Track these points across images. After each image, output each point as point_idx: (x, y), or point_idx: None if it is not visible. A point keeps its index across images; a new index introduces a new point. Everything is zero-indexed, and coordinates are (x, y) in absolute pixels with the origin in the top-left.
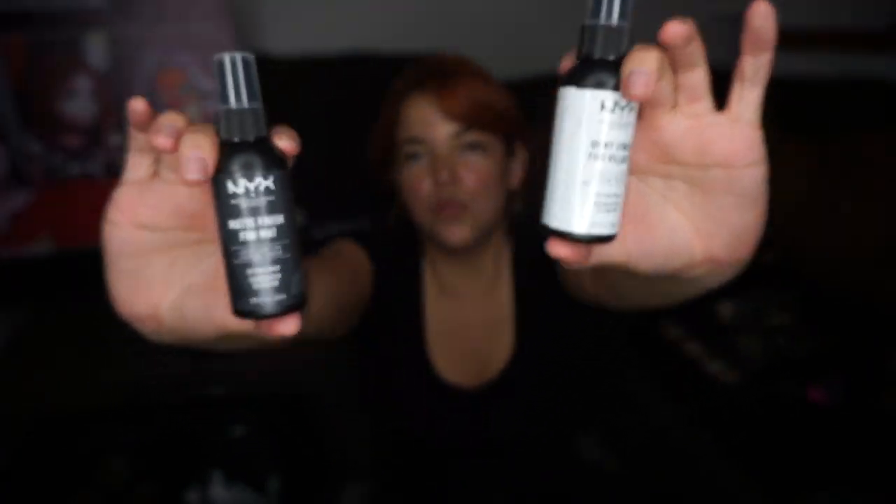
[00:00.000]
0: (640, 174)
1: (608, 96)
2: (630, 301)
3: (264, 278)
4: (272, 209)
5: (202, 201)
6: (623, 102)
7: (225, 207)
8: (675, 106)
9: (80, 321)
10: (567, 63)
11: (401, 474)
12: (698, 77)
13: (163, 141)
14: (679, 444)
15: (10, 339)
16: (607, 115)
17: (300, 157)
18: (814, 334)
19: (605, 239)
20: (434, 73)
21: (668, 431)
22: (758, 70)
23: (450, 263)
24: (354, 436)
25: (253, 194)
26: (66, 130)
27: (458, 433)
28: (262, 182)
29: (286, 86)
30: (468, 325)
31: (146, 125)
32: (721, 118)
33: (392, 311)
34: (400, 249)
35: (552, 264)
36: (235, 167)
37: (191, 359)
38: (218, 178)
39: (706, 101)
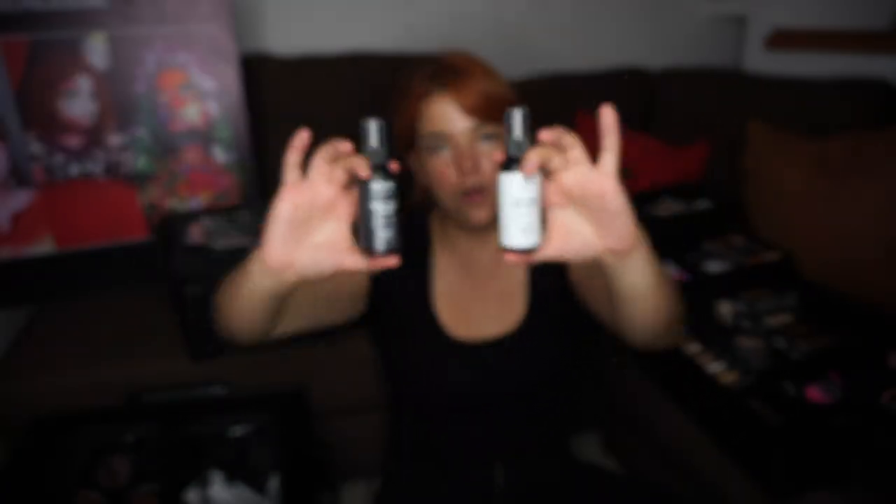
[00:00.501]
0: (560, 207)
1: (517, 176)
2: (626, 322)
3: (382, 233)
4: (388, 197)
5: (331, 198)
6: (526, 177)
7: (368, 195)
8: (567, 169)
9: (81, 321)
10: (499, 157)
11: (413, 432)
12: (575, 153)
13: (343, 160)
14: (679, 444)
15: (10, 339)
16: (517, 186)
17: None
18: (814, 334)
19: (530, 250)
20: (451, 73)
21: (668, 431)
22: (610, 144)
23: (467, 239)
24: (355, 435)
25: (383, 190)
26: (67, 131)
27: (467, 388)
28: (386, 184)
29: (286, 84)
30: (482, 292)
31: (306, 149)
32: (592, 171)
33: (405, 283)
34: (411, 230)
35: None
36: (378, 175)
37: (191, 359)
38: (368, 181)
39: (583, 164)
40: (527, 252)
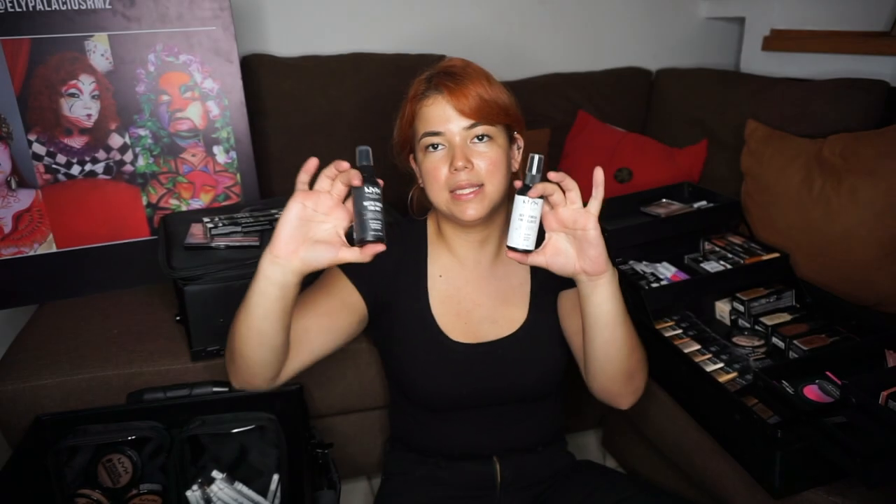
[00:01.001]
0: (556, 232)
1: (526, 198)
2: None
3: (372, 224)
4: (376, 199)
5: (331, 205)
6: (532, 201)
7: (361, 198)
8: (565, 206)
9: (81, 320)
10: (518, 185)
11: (414, 430)
12: (572, 195)
13: (343, 174)
14: (678, 443)
15: (11, 339)
16: (525, 205)
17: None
18: (812, 334)
19: (526, 251)
20: (447, 76)
21: (667, 431)
22: (597, 195)
23: (465, 241)
24: (355, 435)
25: (371, 193)
26: (69, 131)
27: (467, 389)
28: (374, 189)
29: (286, 85)
30: (481, 295)
31: (314, 172)
32: (581, 210)
33: (405, 290)
34: (408, 237)
35: None
36: (368, 184)
37: (191, 359)
38: (361, 187)
39: (577, 204)
40: (524, 252)
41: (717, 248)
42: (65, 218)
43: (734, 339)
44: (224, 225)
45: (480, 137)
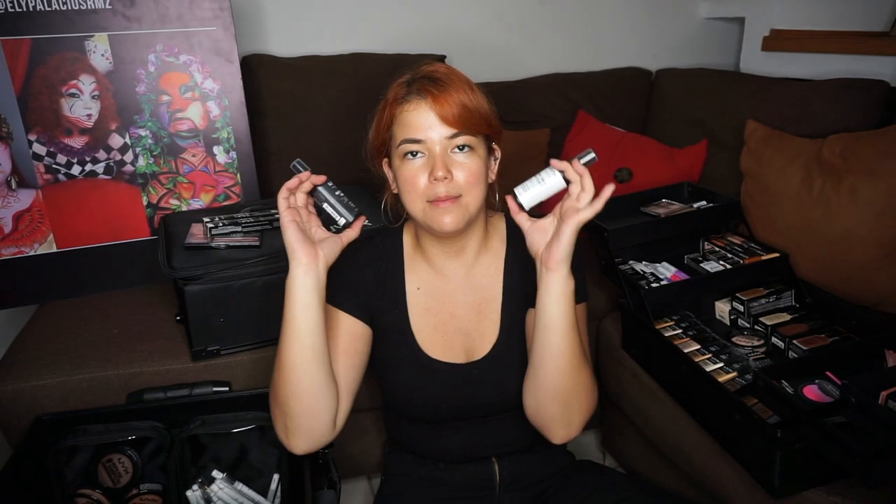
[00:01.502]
0: (551, 216)
1: (557, 172)
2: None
3: (345, 210)
4: (334, 190)
5: (305, 213)
6: (559, 177)
7: (328, 191)
8: (569, 202)
9: (81, 320)
10: (510, 200)
11: (405, 436)
12: (585, 195)
13: (304, 184)
14: (677, 443)
15: (11, 339)
16: (554, 177)
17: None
18: (813, 333)
19: (521, 205)
20: (429, 81)
21: (666, 431)
22: (596, 205)
23: (442, 252)
24: (355, 435)
25: (327, 189)
26: (69, 131)
27: (450, 403)
28: (329, 184)
29: (286, 85)
30: (458, 308)
31: (294, 189)
32: (577, 212)
33: (384, 306)
34: (383, 249)
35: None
36: (322, 185)
37: (191, 359)
38: (323, 184)
39: (580, 205)
40: (519, 206)
41: (717, 248)
42: (65, 218)
43: (734, 339)
44: (224, 225)
45: (461, 147)
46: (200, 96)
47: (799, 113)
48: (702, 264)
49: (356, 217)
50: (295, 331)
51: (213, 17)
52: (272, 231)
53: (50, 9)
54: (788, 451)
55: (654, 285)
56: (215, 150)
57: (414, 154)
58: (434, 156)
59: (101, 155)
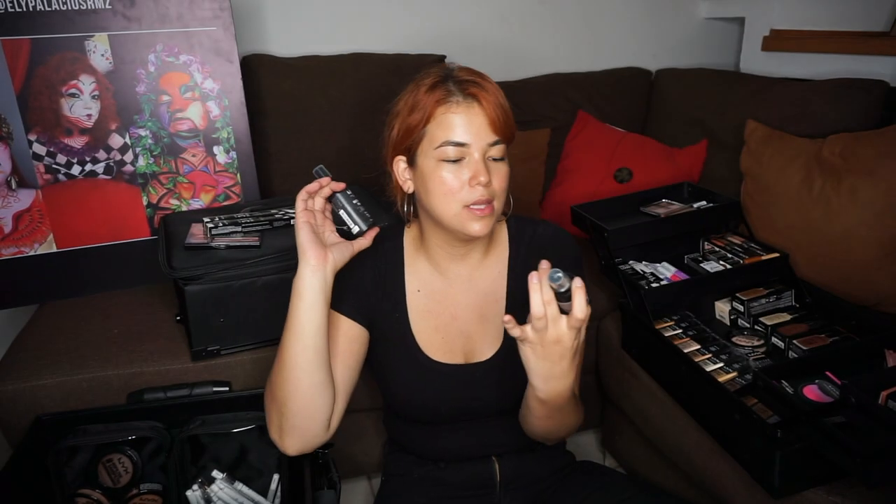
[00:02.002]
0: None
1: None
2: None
3: (360, 218)
4: (353, 194)
5: (321, 217)
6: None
7: (346, 198)
8: (568, 312)
9: (81, 320)
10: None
11: (405, 436)
12: (577, 317)
13: (324, 189)
14: (677, 443)
15: (11, 339)
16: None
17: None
18: (813, 333)
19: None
20: (475, 85)
21: (666, 431)
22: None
23: (447, 248)
24: (354, 435)
25: (350, 192)
26: (69, 131)
27: (451, 405)
28: (348, 193)
29: (286, 85)
30: (460, 310)
31: (313, 193)
32: (566, 319)
33: (385, 308)
34: (383, 250)
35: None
36: (341, 193)
37: (191, 359)
38: (343, 191)
39: (569, 320)
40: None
41: (717, 248)
42: (65, 218)
43: (734, 339)
44: (224, 225)
45: (498, 153)
46: (200, 96)
47: (799, 113)
48: (702, 264)
49: (370, 227)
50: (298, 330)
51: (213, 17)
52: (272, 231)
53: (50, 9)
54: (788, 451)
55: (654, 285)
56: (215, 150)
57: (455, 157)
58: (474, 160)
59: (101, 155)
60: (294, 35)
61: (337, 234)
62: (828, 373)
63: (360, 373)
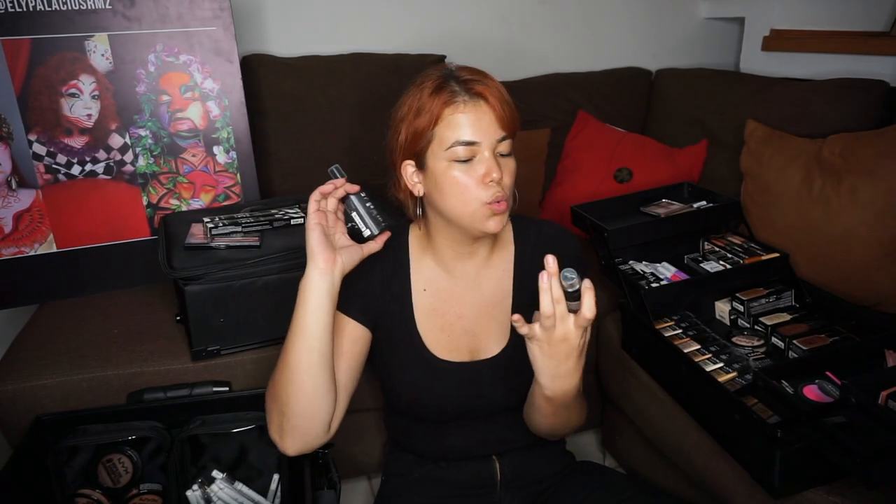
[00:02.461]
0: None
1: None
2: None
3: (372, 222)
4: (367, 197)
5: (334, 219)
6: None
7: (360, 200)
8: (577, 311)
9: (81, 320)
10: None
11: (411, 434)
12: (585, 316)
13: (338, 190)
14: (677, 443)
15: (11, 339)
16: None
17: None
18: (813, 333)
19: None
20: (479, 83)
21: (666, 431)
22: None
23: (455, 247)
24: (355, 435)
25: (364, 194)
26: (69, 131)
27: (455, 402)
28: (362, 195)
29: (286, 85)
30: (466, 308)
31: (326, 194)
32: (573, 319)
33: (390, 307)
34: (388, 250)
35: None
36: (355, 194)
37: (191, 359)
38: (357, 193)
39: (577, 319)
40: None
41: (717, 248)
42: (65, 218)
43: (734, 339)
44: (224, 225)
45: (506, 149)
46: (200, 96)
47: (799, 113)
48: (702, 264)
49: (381, 231)
50: (303, 332)
51: (213, 17)
52: (272, 231)
53: (50, 9)
54: (788, 451)
55: (654, 285)
56: (215, 150)
57: (466, 157)
58: (485, 158)
59: (101, 155)
60: (294, 35)
61: (347, 237)
62: (828, 373)
63: (360, 374)
